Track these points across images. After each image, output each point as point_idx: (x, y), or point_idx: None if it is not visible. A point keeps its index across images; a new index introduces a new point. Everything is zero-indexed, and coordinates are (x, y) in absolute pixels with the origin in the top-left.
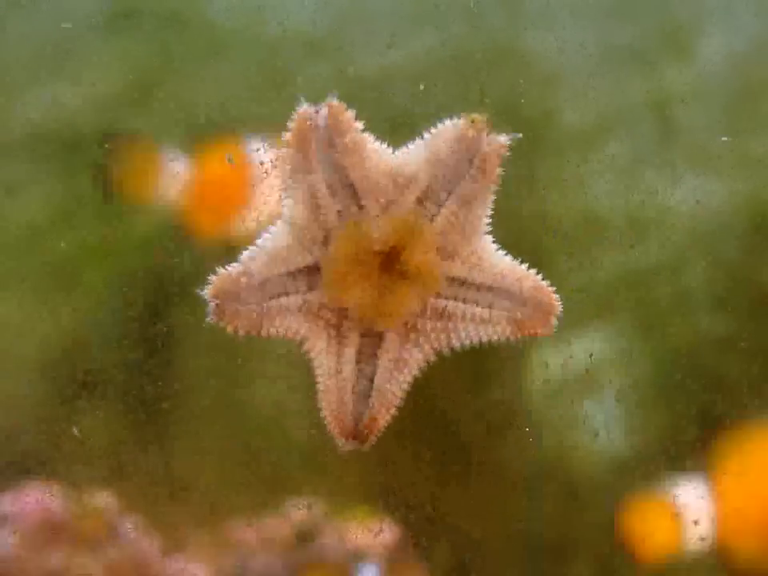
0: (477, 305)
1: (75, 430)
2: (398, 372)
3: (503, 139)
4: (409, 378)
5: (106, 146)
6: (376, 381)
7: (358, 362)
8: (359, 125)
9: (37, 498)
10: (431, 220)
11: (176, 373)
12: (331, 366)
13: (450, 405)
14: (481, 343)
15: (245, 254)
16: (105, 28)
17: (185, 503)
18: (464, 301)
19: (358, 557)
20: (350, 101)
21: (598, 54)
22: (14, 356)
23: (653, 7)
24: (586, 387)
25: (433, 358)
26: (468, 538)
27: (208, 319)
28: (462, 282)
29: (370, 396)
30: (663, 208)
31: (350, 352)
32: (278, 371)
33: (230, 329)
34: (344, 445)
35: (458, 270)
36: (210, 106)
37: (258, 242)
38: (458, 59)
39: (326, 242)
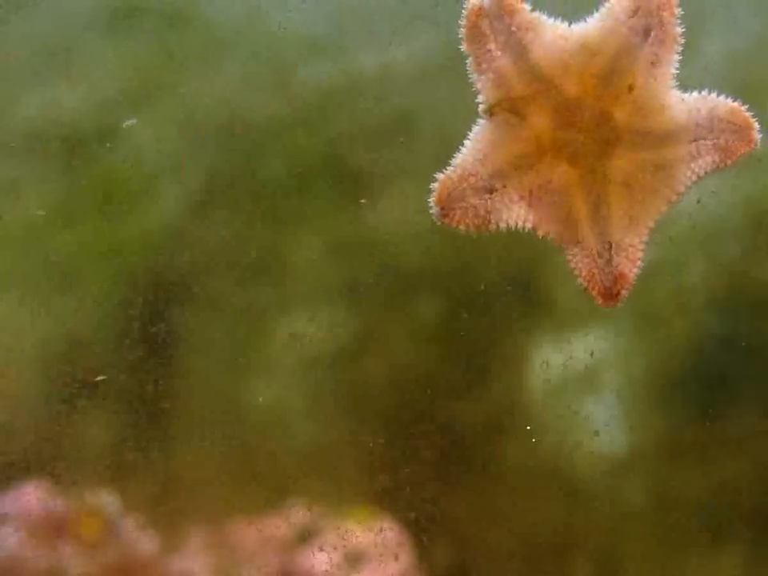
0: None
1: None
2: (633, 225)
3: None
4: (645, 231)
5: (107, 145)
6: (613, 239)
7: (592, 225)
8: (527, 5)
9: (37, 498)
10: (628, 90)
11: (176, 372)
12: (570, 239)
13: (451, 405)
14: (693, 183)
15: (458, 156)
16: (105, 27)
17: (185, 503)
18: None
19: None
20: (350, 98)
21: None
22: (14, 355)
23: None
24: (586, 386)
25: (664, 209)
26: (468, 537)
27: (438, 222)
28: (662, 133)
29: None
30: None
31: (582, 222)
32: (278, 371)
33: (461, 227)
34: (603, 305)
35: (657, 122)
36: (210, 104)
37: (467, 142)
38: (457, 57)
39: (526, 124)
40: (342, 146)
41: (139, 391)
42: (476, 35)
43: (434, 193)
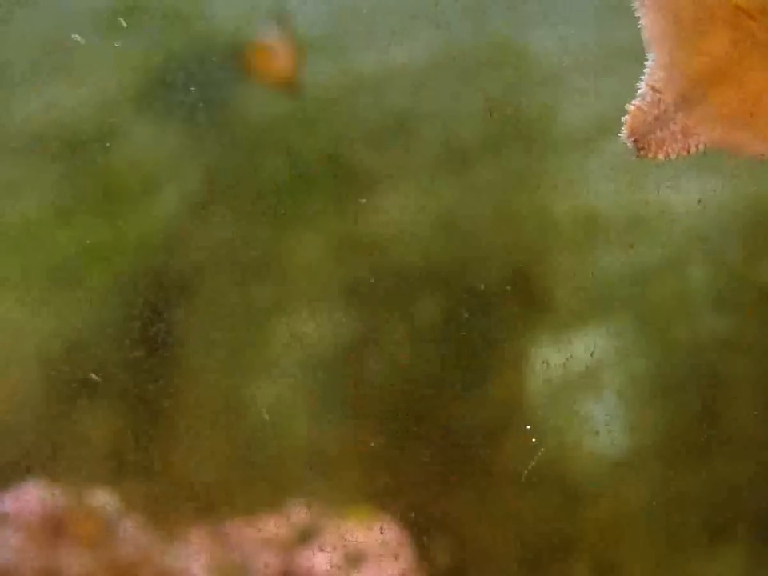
0: None
1: None
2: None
3: None
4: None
5: (107, 145)
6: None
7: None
8: None
9: (37, 498)
10: None
11: (176, 372)
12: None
13: (451, 405)
14: None
15: (643, 85)
16: (105, 27)
17: (185, 503)
18: None
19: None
20: (350, 98)
21: (599, 52)
22: (14, 355)
23: None
24: (586, 386)
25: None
26: (468, 537)
27: (635, 156)
28: None
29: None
30: (664, 207)
31: None
32: (278, 371)
33: (660, 157)
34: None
35: None
36: (210, 104)
37: (650, 65)
38: (458, 57)
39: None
40: (342, 145)
41: (139, 391)
42: None
43: (626, 126)
